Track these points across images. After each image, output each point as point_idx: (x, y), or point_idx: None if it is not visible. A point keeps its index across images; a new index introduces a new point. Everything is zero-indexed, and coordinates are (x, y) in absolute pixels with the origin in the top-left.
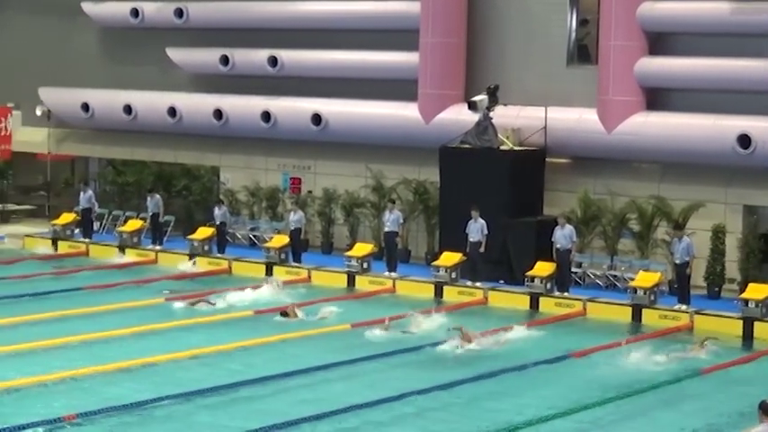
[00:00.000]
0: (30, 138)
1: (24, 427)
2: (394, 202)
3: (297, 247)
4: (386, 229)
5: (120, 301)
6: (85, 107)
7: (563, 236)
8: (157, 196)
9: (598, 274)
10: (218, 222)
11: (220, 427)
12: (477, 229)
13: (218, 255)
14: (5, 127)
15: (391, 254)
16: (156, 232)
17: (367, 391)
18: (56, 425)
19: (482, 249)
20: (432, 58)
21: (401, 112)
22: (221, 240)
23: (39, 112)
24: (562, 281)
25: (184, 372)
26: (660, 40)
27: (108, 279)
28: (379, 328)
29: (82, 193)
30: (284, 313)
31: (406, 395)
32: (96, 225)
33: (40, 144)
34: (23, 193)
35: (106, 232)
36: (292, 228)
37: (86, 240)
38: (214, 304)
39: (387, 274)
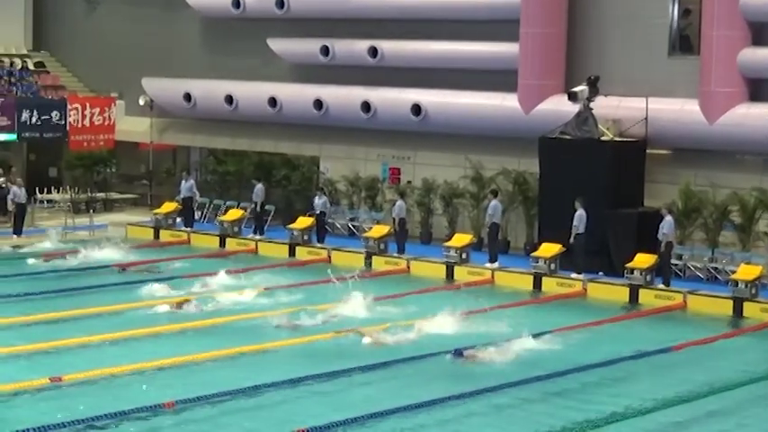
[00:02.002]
0: (133, 127)
1: (125, 414)
2: (495, 194)
3: (400, 238)
4: (487, 221)
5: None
6: (187, 97)
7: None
8: (260, 185)
9: (699, 266)
10: (317, 212)
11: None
12: (578, 217)
13: (318, 244)
14: (109, 117)
15: (491, 243)
16: (258, 222)
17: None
18: (156, 411)
19: (571, 240)
20: (532, 48)
21: (501, 103)
22: (321, 230)
23: (142, 102)
24: (664, 273)
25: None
26: (763, 30)
27: (208, 268)
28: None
29: (183, 182)
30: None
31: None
32: (197, 214)
33: (143, 134)
34: (126, 182)
35: (207, 221)
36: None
37: (187, 229)
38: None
39: (488, 265)
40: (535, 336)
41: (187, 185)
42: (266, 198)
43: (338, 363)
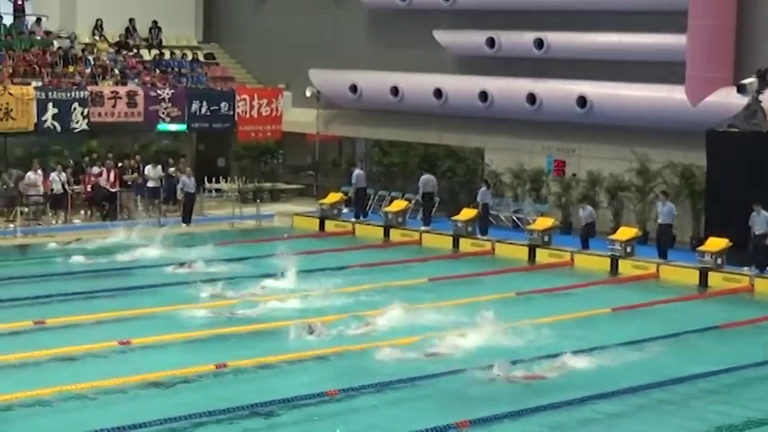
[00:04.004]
0: (299, 118)
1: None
2: (666, 195)
3: (586, 240)
4: (660, 221)
5: (382, 281)
6: (353, 88)
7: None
8: (427, 176)
9: None
10: (481, 204)
11: None
12: (761, 221)
13: (481, 236)
14: (277, 108)
15: (662, 244)
16: (426, 212)
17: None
18: (320, 399)
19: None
20: (700, 40)
21: (668, 95)
22: (484, 222)
23: (308, 94)
24: None
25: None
26: None
27: (372, 259)
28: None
29: (354, 172)
30: None
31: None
32: (353, 198)
33: (309, 124)
34: (293, 173)
35: (372, 212)
36: (583, 224)
37: (353, 220)
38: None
39: (655, 259)
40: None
41: (357, 174)
42: (434, 189)
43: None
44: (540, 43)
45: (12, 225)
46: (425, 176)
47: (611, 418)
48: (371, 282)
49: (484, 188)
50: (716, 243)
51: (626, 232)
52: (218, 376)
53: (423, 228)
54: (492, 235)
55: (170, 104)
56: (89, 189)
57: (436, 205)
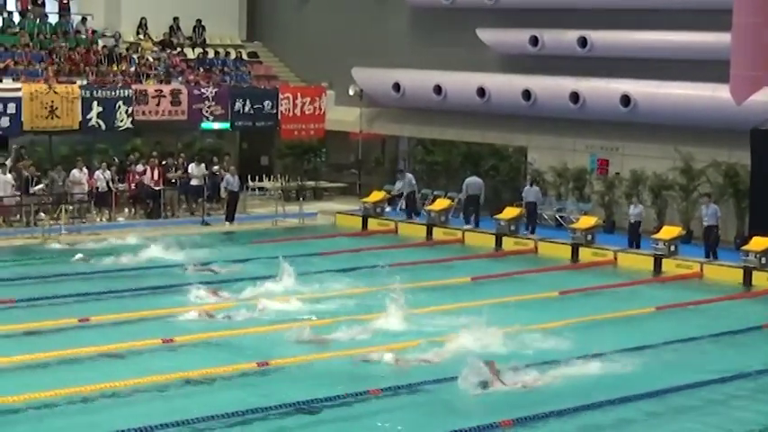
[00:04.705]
0: (342, 117)
1: None
2: (709, 196)
3: (634, 240)
4: (705, 224)
5: (425, 280)
6: (396, 87)
7: None
8: (474, 178)
9: None
10: (526, 202)
11: None
12: None
13: (530, 235)
14: (319, 106)
15: (710, 245)
16: (468, 214)
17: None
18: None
19: None
20: (744, 38)
21: (712, 94)
22: (532, 221)
23: (351, 92)
24: None
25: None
26: None
27: (414, 257)
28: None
29: (401, 179)
30: None
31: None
32: (403, 204)
33: (352, 123)
34: (336, 171)
35: (401, 209)
36: (632, 221)
37: (395, 219)
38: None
39: (699, 258)
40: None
41: (406, 181)
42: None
43: None
44: (583, 42)
45: (57, 223)
46: (471, 178)
47: (651, 418)
48: (414, 280)
49: (528, 186)
50: (760, 242)
51: (669, 231)
52: (262, 374)
53: (465, 226)
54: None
55: (213, 103)
56: (133, 187)
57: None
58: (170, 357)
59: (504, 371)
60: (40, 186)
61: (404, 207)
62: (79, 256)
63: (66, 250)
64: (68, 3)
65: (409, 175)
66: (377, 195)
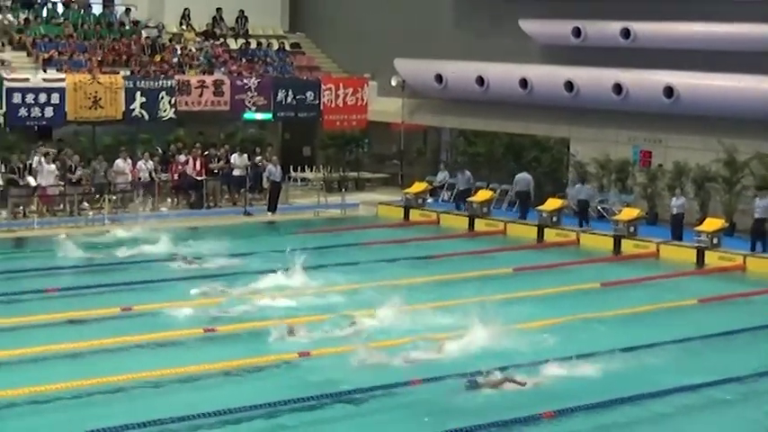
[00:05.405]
0: (384, 108)
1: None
2: (762, 189)
3: (677, 231)
4: (756, 216)
5: (467, 270)
6: (439, 78)
7: None
8: (523, 174)
9: None
10: (577, 200)
11: None
12: None
13: (565, 226)
14: (362, 97)
15: (757, 237)
16: (523, 206)
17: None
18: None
19: None
20: None
21: (757, 85)
22: (585, 217)
23: (394, 83)
24: None
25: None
26: None
27: (455, 248)
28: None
29: (460, 175)
30: None
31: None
32: (447, 195)
33: (394, 114)
34: (378, 162)
35: (455, 203)
36: (674, 212)
37: (437, 210)
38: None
39: (742, 251)
40: None
41: (464, 178)
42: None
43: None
44: (626, 33)
45: (100, 212)
46: (520, 175)
47: (688, 412)
48: (456, 272)
49: (580, 185)
50: None
51: (712, 223)
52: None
53: (506, 218)
54: (576, 225)
55: (256, 93)
56: (176, 177)
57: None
58: (211, 347)
59: (539, 365)
60: (80, 173)
61: (453, 200)
62: (62, 236)
63: (109, 240)
64: None
65: (468, 173)
66: (419, 186)
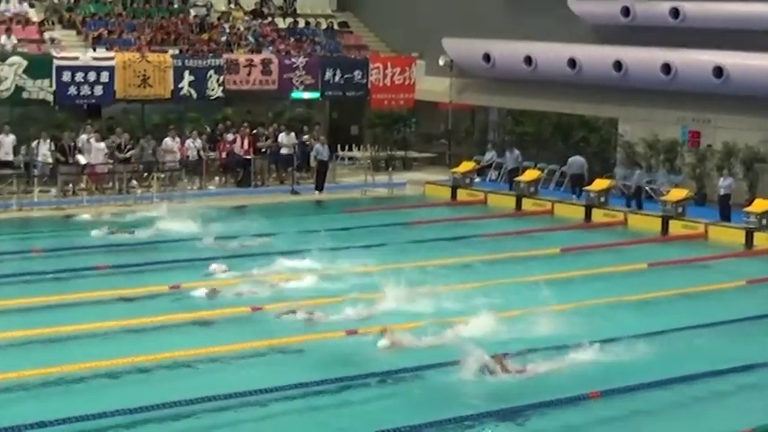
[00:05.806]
0: (432, 87)
1: None
2: None
3: (724, 212)
4: None
5: (514, 250)
6: (487, 57)
7: None
8: (576, 157)
9: None
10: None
11: None
12: None
13: (613, 206)
14: (410, 76)
15: None
16: (576, 186)
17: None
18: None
19: None
20: None
21: None
22: (639, 203)
23: (441, 62)
24: None
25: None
26: None
27: (502, 228)
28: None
29: (508, 154)
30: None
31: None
32: (494, 174)
33: (442, 93)
34: (425, 141)
35: (504, 181)
36: (722, 193)
37: (485, 189)
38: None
39: None
40: None
41: (513, 156)
42: (563, 159)
43: None
44: (675, 12)
45: (149, 191)
46: (573, 158)
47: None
48: (503, 251)
49: (639, 171)
50: None
51: (761, 204)
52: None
53: (554, 198)
54: (624, 205)
55: (304, 72)
56: (224, 156)
57: (569, 176)
58: (259, 326)
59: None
60: (131, 151)
61: (501, 179)
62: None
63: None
64: None
65: (517, 151)
66: (466, 165)
